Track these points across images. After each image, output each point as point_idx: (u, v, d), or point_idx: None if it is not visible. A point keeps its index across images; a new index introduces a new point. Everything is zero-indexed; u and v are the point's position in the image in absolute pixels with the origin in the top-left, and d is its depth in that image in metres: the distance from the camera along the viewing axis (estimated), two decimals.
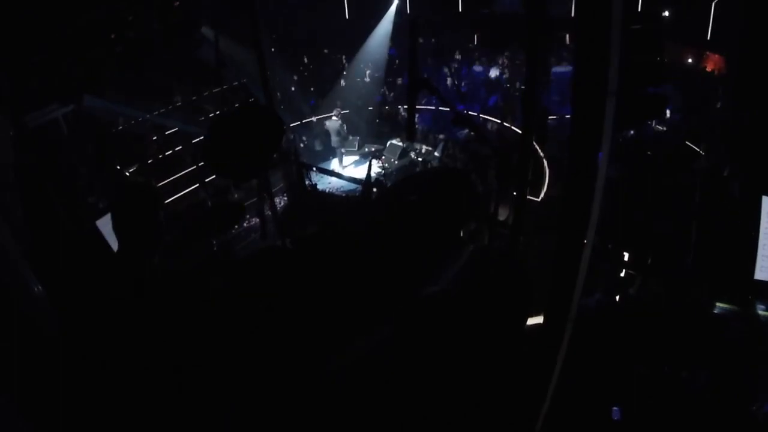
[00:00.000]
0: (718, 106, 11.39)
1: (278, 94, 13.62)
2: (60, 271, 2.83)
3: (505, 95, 14.26)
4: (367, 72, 15.75)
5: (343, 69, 16.21)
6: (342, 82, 15.57)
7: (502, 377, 1.98)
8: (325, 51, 17.07)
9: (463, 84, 14.78)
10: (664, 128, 11.11)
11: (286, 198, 7.16)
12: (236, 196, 8.23)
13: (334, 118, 12.26)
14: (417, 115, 10.53)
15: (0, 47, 3.35)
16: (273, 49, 13.91)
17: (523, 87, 11.50)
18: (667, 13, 12.65)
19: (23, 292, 2.48)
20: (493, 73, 15.02)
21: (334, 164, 12.45)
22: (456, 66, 15.64)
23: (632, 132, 10.14)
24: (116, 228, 2.31)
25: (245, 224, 7.96)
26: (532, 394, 2.31)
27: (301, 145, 11.53)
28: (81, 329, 2.35)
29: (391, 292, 2.13)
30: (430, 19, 15.42)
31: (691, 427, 3.05)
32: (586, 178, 1.85)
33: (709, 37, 12.70)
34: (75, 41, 3.91)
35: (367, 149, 12.68)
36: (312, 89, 15.67)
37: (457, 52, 15.98)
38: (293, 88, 15.23)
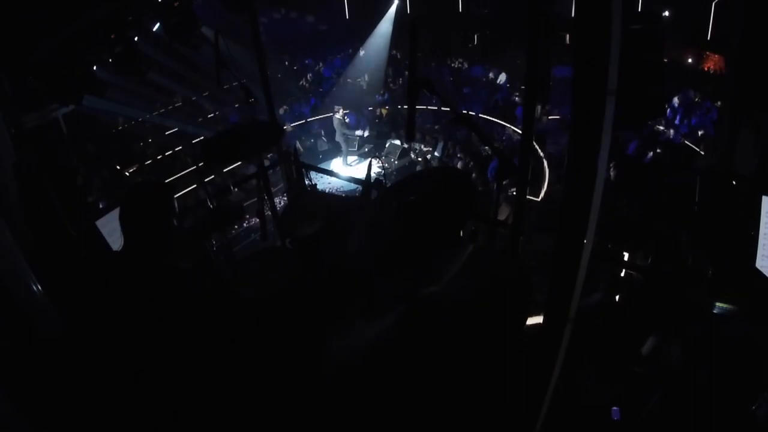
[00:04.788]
0: (718, 105, 11.40)
1: (277, 94, 13.66)
2: (60, 271, 2.83)
3: (506, 96, 14.26)
4: (367, 72, 15.76)
5: (344, 69, 16.23)
6: (342, 81, 15.59)
7: (502, 377, 1.98)
8: (325, 50, 17.08)
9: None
10: (663, 128, 11.12)
11: (286, 198, 7.16)
12: (236, 195, 8.24)
13: (337, 116, 12.26)
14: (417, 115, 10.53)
15: (0, 47, 3.35)
16: (273, 50, 13.93)
17: (523, 87, 11.51)
18: (667, 13, 12.65)
19: (23, 292, 2.49)
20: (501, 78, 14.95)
21: (334, 164, 12.45)
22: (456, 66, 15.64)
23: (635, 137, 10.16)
24: (127, 227, 2.29)
25: (245, 224, 7.96)
26: (532, 394, 2.31)
27: (298, 145, 11.56)
28: (81, 328, 2.35)
29: (391, 292, 2.13)
30: (430, 20, 15.41)
31: (691, 427, 3.05)
32: (586, 178, 1.84)
33: (709, 37, 12.70)
34: (75, 41, 3.91)
35: (367, 149, 12.69)
36: (312, 89, 15.68)
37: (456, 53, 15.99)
38: (293, 88, 15.24)
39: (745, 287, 3.70)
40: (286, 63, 16.12)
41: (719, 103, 11.21)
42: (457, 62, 15.81)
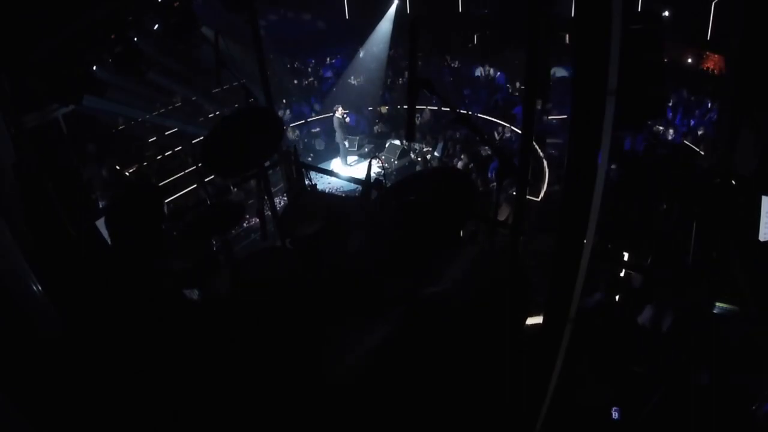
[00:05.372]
0: (714, 105, 11.42)
1: (279, 94, 13.66)
2: (60, 271, 2.83)
3: (506, 96, 14.26)
4: (367, 72, 15.76)
5: (344, 69, 16.23)
6: (342, 81, 15.59)
7: (502, 377, 1.98)
8: (325, 51, 17.08)
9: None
10: (663, 128, 11.12)
11: (286, 198, 7.16)
12: (236, 195, 8.24)
13: (337, 115, 12.25)
14: (417, 115, 10.61)
15: (0, 47, 3.35)
16: (273, 50, 13.93)
17: (523, 87, 11.50)
18: (667, 13, 12.65)
19: (23, 292, 2.48)
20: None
21: (334, 164, 12.44)
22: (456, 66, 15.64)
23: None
24: (114, 231, 2.30)
25: (245, 224, 7.96)
26: (532, 394, 2.31)
27: (301, 146, 11.55)
28: (81, 328, 2.35)
29: (392, 292, 2.13)
30: (430, 20, 15.41)
31: (691, 427, 3.05)
32: (586, 178, 1.84)
33: (709, 37, 12.71)
34: (75, 41, 3.91)
35: (367, 149, 12.68)
36: (312, 89, 15.68)
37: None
38: (293, 88, 15.24)
39: (745, 287, 3.70)
40: (290, 65, 16.11)
41: (715, 103, 11.23)
42: (456, 63, 15.80)
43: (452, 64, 15.57)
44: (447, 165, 10.62)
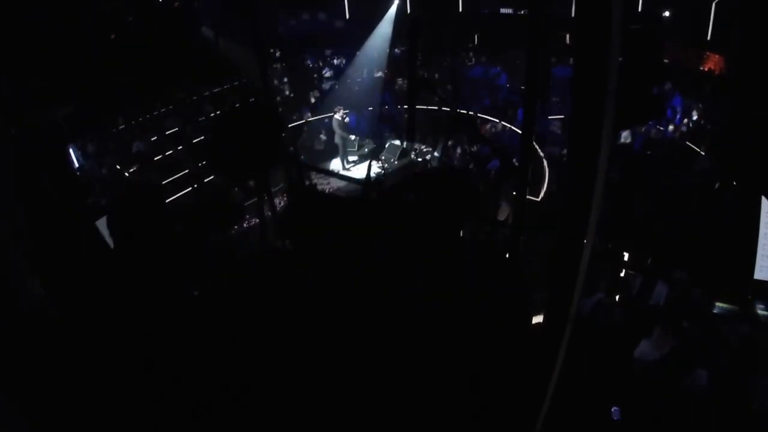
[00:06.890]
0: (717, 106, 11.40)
1: (278, 94, 13.65)
2: (60, 270, 2.83)
3: (506, 96, 14.25)
4: (366, 71, 15.76)
5: (344, 69, 16.23)
6: (343, 81, 15.59)
7: (502, 377, 1.98)
8: (326, 51, 17.09)
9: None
10: (662, 128, 11.11)
11: (286, 198, 7.16)
12: (236, 195, 8.24)
13: (336, 116, 12.24)
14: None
15: (0, 47, 3.35)
16: (272, 50, 13.93)
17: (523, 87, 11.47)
18: (667, 13, 12.65)
19: (22, 291, 2.48)
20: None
21: (334, 164, 12.44)
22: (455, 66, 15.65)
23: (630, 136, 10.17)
24: (117, 232, 2.30)
25: (245, 224, 7.96)
26: (532, 394, 2.31)
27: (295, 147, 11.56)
28: (80, 328, 2.35)
29: (392, 292, 2.13)
30: (431, 19, 15.43)
31: (691, 427, 3.05)
32: (586, 178, 1.84)
33: (709, 37, 12.71)
34: (75, 41, 3.92)
35: (367, 149, 12.67)
36: (312, 89, 15.68)
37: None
38: (293, 88, 15.24)
39: (744, 287, 3.70)
40: (289, 64, 16.10)
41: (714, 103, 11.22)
42: (469, 58, 15.82)
43: (468, 62, 15.60)
44: (447, 165, 10.62)
